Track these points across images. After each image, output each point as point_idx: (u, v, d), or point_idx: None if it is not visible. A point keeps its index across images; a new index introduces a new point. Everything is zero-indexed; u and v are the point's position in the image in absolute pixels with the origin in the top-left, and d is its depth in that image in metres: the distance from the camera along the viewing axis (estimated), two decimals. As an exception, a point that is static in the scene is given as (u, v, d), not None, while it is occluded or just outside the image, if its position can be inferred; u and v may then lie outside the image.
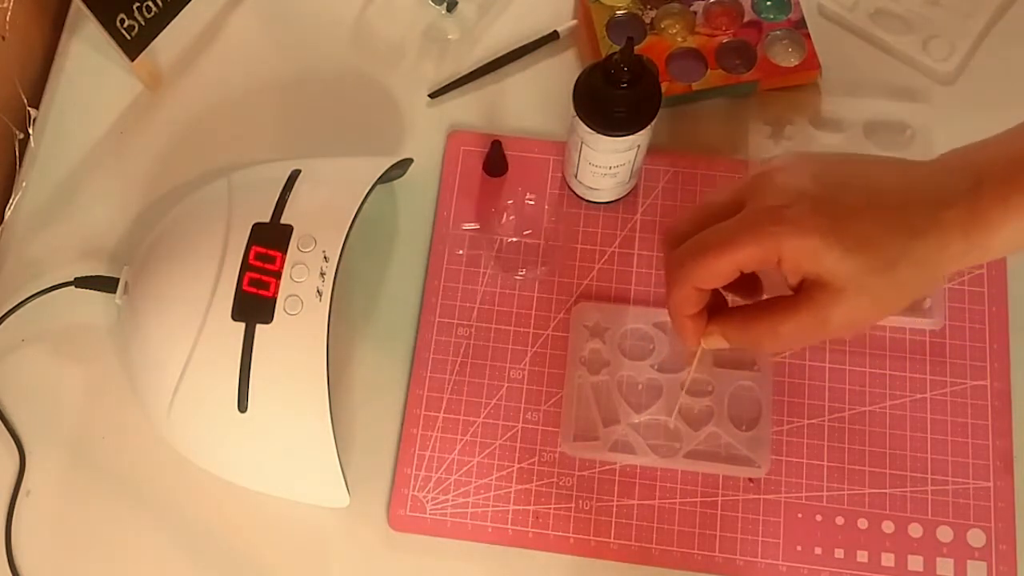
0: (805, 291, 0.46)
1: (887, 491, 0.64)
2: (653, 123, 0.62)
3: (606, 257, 0.70)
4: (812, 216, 0.45)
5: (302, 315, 0.58)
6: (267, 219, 0.61)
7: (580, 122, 0.62)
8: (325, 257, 0.59)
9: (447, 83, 0.75)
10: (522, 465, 0.65)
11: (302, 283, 0.58)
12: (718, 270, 0.47)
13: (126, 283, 0.65)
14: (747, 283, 0.50)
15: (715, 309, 0.50)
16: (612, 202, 0.71)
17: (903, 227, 0.45)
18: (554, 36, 0.76)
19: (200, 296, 0.59)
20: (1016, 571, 0.62)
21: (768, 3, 0.75)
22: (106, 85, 0.76)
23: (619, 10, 0.75)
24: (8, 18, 0.73)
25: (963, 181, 0.45)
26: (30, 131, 0.75)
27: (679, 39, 0.74)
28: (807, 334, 0.48)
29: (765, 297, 0.51)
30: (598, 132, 0.62)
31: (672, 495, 0.64)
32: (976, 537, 0.63)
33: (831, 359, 0.67)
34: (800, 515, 0.64)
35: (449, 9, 0.77)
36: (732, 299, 0.52)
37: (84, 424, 0.67)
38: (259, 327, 0.58)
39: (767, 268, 0.47)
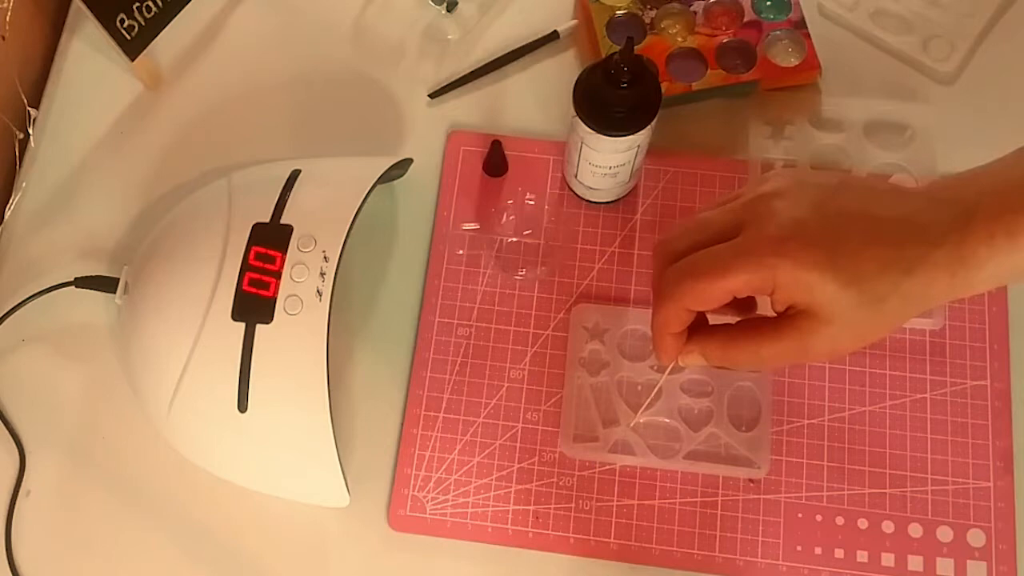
0: (791, 318, 0.47)
1: (887, 491, 0.64)
2: (653, 123, 0.63)
3: (606, 257, 0.70)
4: (810, 250, 0.45)
5: (302, 315, 0.58)
6: (267, 219, 0.61)
7: (580, 122, 0.62)
8: (325, 257, 0.59)
9: (447, 83, 0.75)
10: (522, 465, 0.65)
11: (302, 283, 0.58)
12: (711, 294, 0.47)
13: (126, 283, 0.65)
14: (740, 301, 0.50)
15: (695, 327, 0.51)
16: (612, 202, 0.71)
17: (896, 264, 0.45)
18: (554, 36, 0.76)
19: (200, 296, 0.59)
20: (1016, 571, 0.62)
21: (768, 3, 0.75)
22: (106, 85, 0.76)
23: (619, 10, 0.75)
24: (8, 18, 0.73)
25: (953, 217, 0.46)
26: (30, 131, 0.75)
27: (679, 39, 0.74)
28: (787, 358, 0.49)
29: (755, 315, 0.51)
30: (598, 132, 0.62)
31: (672, 495, 0.64)
32: (976, 537, 0.63)
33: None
34: (800, 515, 0.64)
35: (449, 9, 0.77)
36: (712, 317, 0.52)
37: (84, 424, 0.67)
38: (259, 327, 0.58)
39: (758, 294, 0.48)
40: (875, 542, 0.63)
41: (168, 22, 0.75)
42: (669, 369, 0.55)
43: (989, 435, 0.65)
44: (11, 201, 0.73)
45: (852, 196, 0.47)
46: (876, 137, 0.72)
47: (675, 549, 0.63)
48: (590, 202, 0.71)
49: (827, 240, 0.46)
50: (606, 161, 0.65)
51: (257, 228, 0.60)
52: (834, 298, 0.45)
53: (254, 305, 0.58)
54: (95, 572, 0.64)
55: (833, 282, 0.45)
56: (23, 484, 0.66)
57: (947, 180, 0.48)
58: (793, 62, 0.73)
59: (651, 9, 0.75)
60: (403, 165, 0.70)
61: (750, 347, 0.49)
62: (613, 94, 0.61)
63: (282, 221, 0.60)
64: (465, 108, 0.75)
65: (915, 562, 0.62)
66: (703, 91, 0.72)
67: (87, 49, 0.78)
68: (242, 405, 0.58)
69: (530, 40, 0.76)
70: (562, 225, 0.71)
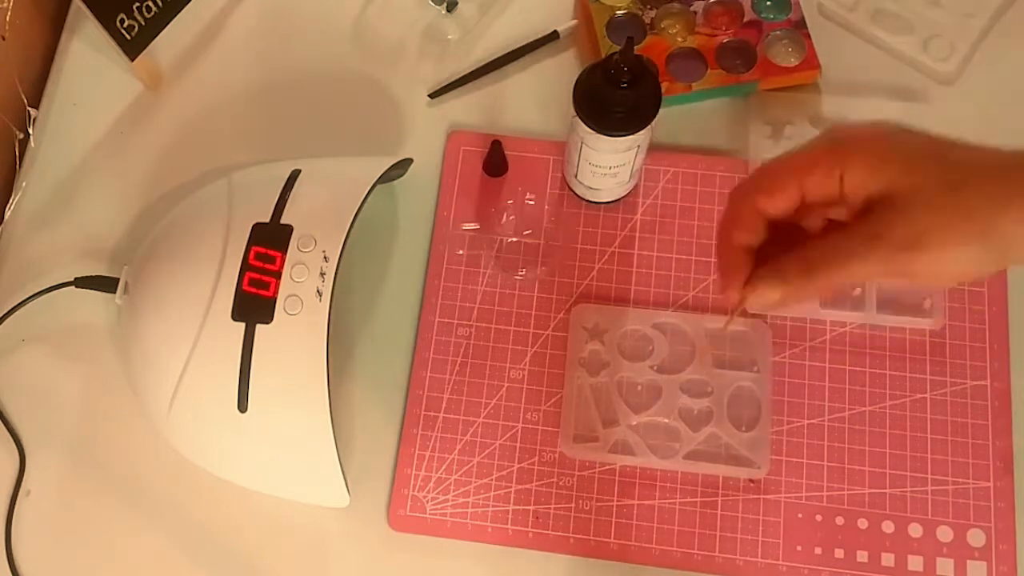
0: (867, 210, 0.45)
1: (887, 491, 0.64)
2: (653, 123, 0.63)
3: (606, 257, 0.70)
4: (881, 137, 0.45)
5: (302, 315, 0.58)
6: (267, 219, 0.61)
7: (580, 122, 0.62)
8: (325, 257, 0.59)
9: (447, 83, 0.75)
10: (522, 465, 0.65)
11: (302, 283, 0.58)
12: (780, 184, 0.46)
13: (126, 283, 0.65)
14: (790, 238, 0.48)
15: (765, 258, 0.48)
16: (612, 202, 0.71)
17: (967, 167, 0.44)
18: (554, 36, 0.76)
19: (200, 296, 0.59)
20: (1016, 571, 0.62)
21: (768, 3, 0.75)
22: (106, 85, 0.76)
23: (619, 10, 0.75)
24: (8, 18, 0.73)
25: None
26: (30, 131, 0.75)
27: (679, 39, 0.74)
28: (863, 253, 0.44)
29: None
30: (598, 132, 0.62)
31: (672, 495, 0.64)
32: (976, 537, 0.63)
33: (831, 359, 0.67)
34: (800, 515, 0.64)
35: (449, 9, 0.77)
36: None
37: (84, 424, 0.67)
38: (259, 327, 0.58)
39: (831, 195, 0.45)
40: (875, 542, 0.63)
41: (168, 22, 0.75)
42: (733, 316, 0.51)
43: (989, 435, 0.65)
44: (11, 201, 0.73)
45: (930, 135, 0.47)
46: (876, 137, 0.72)
47: (675, 549, 0.63)
48: (590, 202, 0.71)
49: (898, 135, 0.45)
50: (606, 161, 0.65)
51: (257, 228, 0.60)
52: (905, 177, 0.44)
53: (254, 305, 0.58)
54: (95, 572, 0.64)
55: (900, 159, 0.44)
56: (23, 484, 0.66)
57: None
58: (793, 62, 0.73)
59: (651, 9, 0.75)
60: (403, 165, 0.70)
61: (837, 255, 0.45)
62: (613, 94, 0.61)
63: (282, 221, 0.60)
64: (465, 108, 0.75)
65: (915, 562, 0.62)
66: (703, 91, 0.72)
67: (87, 49, 0.78)
68: (242, 405, 0.58)
69: (530, 40, 0.76)
70: (562, 225, 0.71)
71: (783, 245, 0.47)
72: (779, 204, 0.47)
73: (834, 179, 0.45)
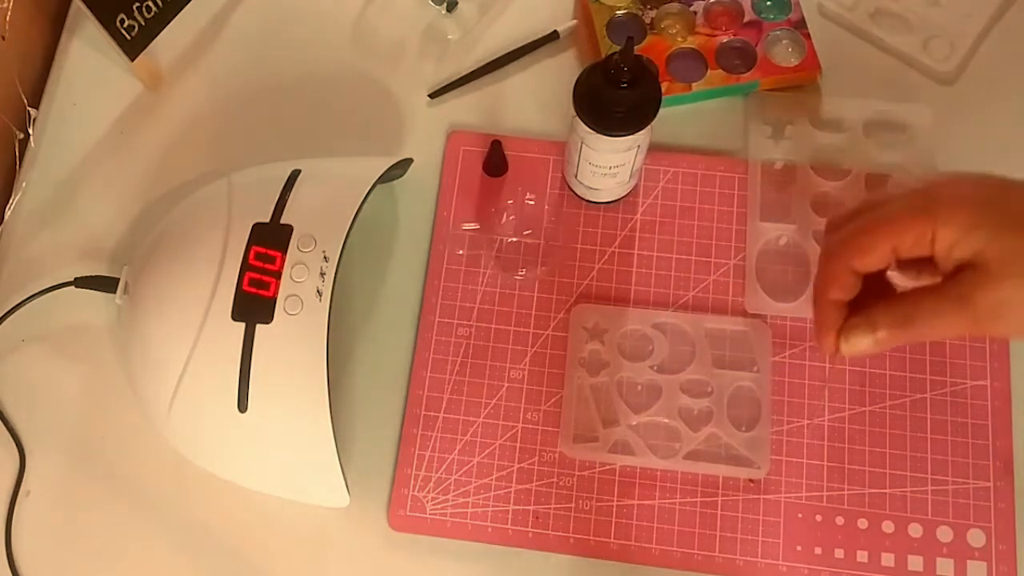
0: (955, 273, 0.47)
1: (887, 491, 0.64)
2: (653, 123, 0.63)
3: (606, 257, 0.70)
4: (970, 193, 0.46)
5: (302, 315, 0.58)
6: (267, 219, 0.61)
7: (580, 122, 0.62)
8: (325, 257, 0.59)
9: (447, 83, 0.75)
10: (522, 465, 0.65)
11: (302, 283, 0.58)
12: (873, 245, 0.48)
13: (126, 283, 0.65)
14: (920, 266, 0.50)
15: (861, 305, 0.50)
16: (612, 202, 0.71)
17: None
18: (554, 36, 0.76)
19: (200, 296, 0.59)
20: (1016, 571, 0.62)
21: (768, 3, 0.75)
22: (106, 85, 0.76)
23: (619, 10, 0.75)
24: (8, 18, 0.73)
25: None
26: (30, 131, 0.75)
27: (679, 39, 0.74)
28: (952, 321, 0.47)
29: None
30: (598, 132, 0.62)
31: (672, 495, 0.64)
32: (976, 537, 0.63)
33: (831, 359, 0.67)
34: (800, 515, 0.64)
35: (449, 9, 0.77)
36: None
37: (84, 424, 0.67)
38: (259, 327, 0.58)
39: (922, 254, 0.47)
40: (875, 542, 0.63)
41: (168, 22, 0.75)
42: (830, 362, 0.54)
43: (989, 435, 0.65)
44: (11, 201, 0.73)
45: (1013, 182, 0.48)
46: (876, 137, 0.72)
47: (675, 549, 0.63)
48: (590, 202, 0.71)
49: (986, 191, 0.47)
50: (606, 161, 0.65)
51: (257, 228, 0.60)
52: (993, 243, 0.45)
53: (254, 305, 0.58)
54: (95, 572, 0.64)
55: (990, 223, 0.45)
56: (23, 484, 0.66)
57: None
58: (793, 62, 0.73)
59: (651, 9, 0.75)
60: (403, 165, 0.70)
61: (926, 314, 0.47)
62: (613, 94, 0.61)
63: (282, 221, 0.60)
64: (465, 108, 0.75)
65: (915, 562, 0.62)
66: (703, 91, 0.72)
67: (87, 49, 0.78)
68: (242, 405, 0.58)
69: (530, 40, 0.76)
70: (562, 225, 0.71)
71: (874, 291, 0.50)
72: (872, 263, 0.49)
73: (926, 241, 0.47)
